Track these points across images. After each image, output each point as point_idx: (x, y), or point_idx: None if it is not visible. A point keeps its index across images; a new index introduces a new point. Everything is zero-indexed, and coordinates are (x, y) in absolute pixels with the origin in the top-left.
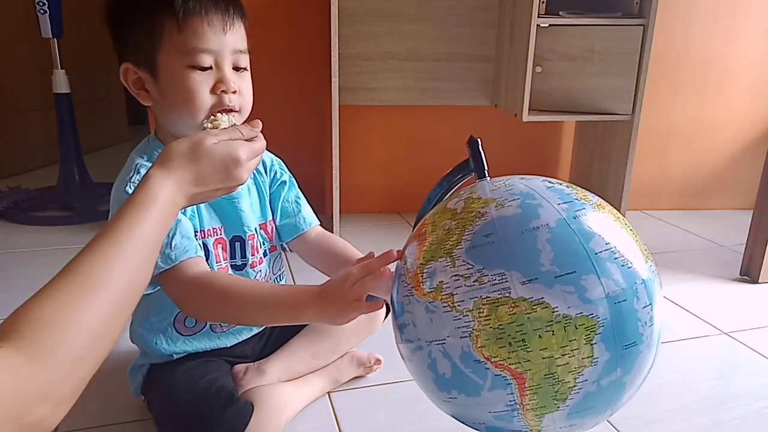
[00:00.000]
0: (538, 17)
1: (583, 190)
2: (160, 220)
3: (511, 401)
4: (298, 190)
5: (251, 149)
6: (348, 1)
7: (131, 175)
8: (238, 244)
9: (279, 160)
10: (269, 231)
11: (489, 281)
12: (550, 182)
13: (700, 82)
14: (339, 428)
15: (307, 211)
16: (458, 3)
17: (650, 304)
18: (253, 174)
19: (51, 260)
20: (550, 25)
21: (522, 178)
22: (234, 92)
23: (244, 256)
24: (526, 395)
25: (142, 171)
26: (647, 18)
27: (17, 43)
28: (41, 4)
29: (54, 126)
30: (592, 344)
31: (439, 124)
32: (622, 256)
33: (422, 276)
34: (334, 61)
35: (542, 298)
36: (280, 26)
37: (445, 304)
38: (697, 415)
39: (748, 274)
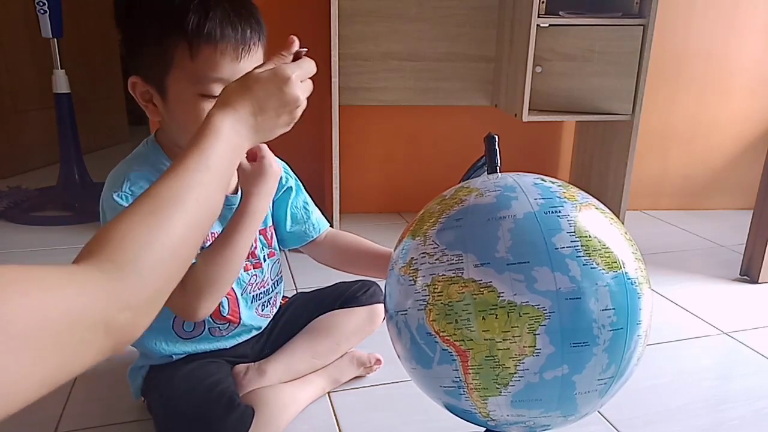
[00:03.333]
0: (538, 17)
1: (576, 191)
2: (227, 150)
3: (456, 378)
4: (306, 195)
5: (298, 66)
6: (348, 1)
7: (122, 182)
8: None
9: (284, 164)
10: (268, 237)
11: (447, 260)
12: (542, 179)
13: (701, 81)
14: (339, 428)
15: (316, 216)
16: (458, 3)
17: (613, 308)
18: None
19: (51, 260)
20: (550, 25)
21: (517, 175)
22: None
23: None
24: (470, 374)
25: (132, 178)
26: (647, 18)
27: (17, 43)
28: (41, 4)
29: (54, 126)
30: (534, 334)
31: (439, 123)
32: (589, 257)
33: (401, 252)
34: (334, 61)
35: (490, 282)
36: (280, 26)
37: (411, 278)
38: (697, 415)
39: (748, 274)
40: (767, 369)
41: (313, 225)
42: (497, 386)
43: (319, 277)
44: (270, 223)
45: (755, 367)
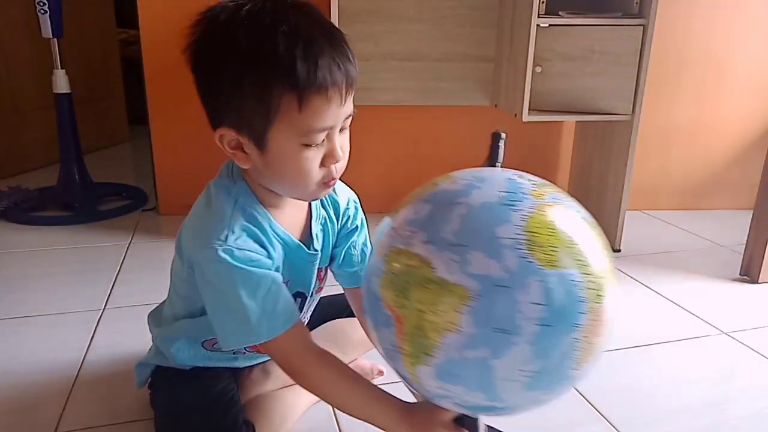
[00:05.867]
0: (538, 17)
1: (551, 192)
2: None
3: (393, 342)
4: (367, 236)
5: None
6: (348, 1)
7: (225, 234)
8: (299, 300)
9: (355, 198)
10: (321, 276)
11: (404, 234)
12: (521, 176)
13: (701, 81)
14: (339, 428)
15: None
16: (458, 3)
17: (544, 305)
18: (325, 218)
19: (51, 260)
20: (550, 25)
21: (501, 170)
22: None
23: (301, 311)
24: (404, 339)
25: (236, 230)
26: (647, 18)
27: (17, 43)
28: (41, 4)
29: (54, 126)
30: (459, 312)
31: (439, 123)
32: (529, 251)
33: (382, 228)
34: None
35: (430, 258)
36: None
37: (378, 248)
38: (697, 415)
39: (748, 274)
40: (767, 369)
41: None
42: (424, 355)
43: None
44: (327, 263)
45: (755, 367)
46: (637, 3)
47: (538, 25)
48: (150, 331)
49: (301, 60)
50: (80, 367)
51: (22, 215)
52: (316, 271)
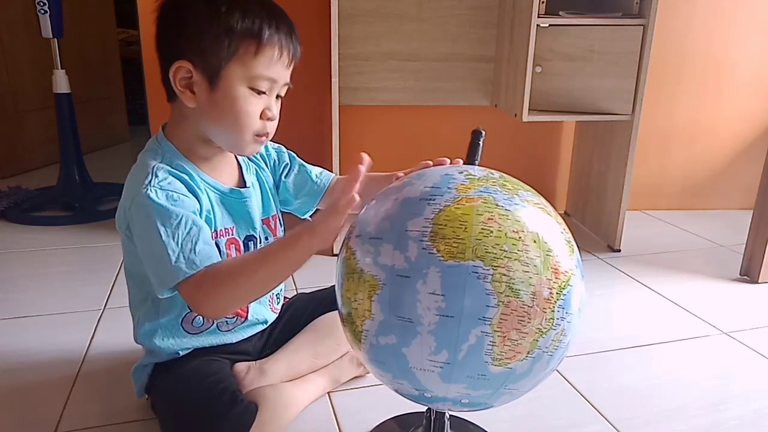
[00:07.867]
0: (538, 17)
1: (484, 183)
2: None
3: (342, 327)
4: (300, 160)
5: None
6: (348, 1)
7: (150, 178)
8: (251, 244)
9: (276, 145)
10: (272, 226)
11: (350, 231)
12: (461, 171)
13: (700, 82)
14: (339, 428)
15: (316, 172)
16: (458, 3)
17: (442, 295)
18: (256, 170)
19: (51, 260)
20: (550, 25)
21: (448, 167)
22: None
23: None
24: (345, 325)
25: (160, 174)
26: (647, 18)
27: (17, 43)
28: (42, 4)
29: (54, 126)
30: (371, 300)
31: (439, 124)
32: (431, 242)
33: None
34: (334, 61)
35: (356, 250)
36: None
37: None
38: (697, 415)
39: (748, 274)
40: (767, 369)
41: (318, 177)
42: (357, 340)
43: (319, 277)
44: (273, 212)
45: (755, 367)
46: (637, 3)
47: (538, 25)
48: (136, 341)
49: (267, 23)
50: (80, 367)
51: (22, 215)
52: (259, 215)
